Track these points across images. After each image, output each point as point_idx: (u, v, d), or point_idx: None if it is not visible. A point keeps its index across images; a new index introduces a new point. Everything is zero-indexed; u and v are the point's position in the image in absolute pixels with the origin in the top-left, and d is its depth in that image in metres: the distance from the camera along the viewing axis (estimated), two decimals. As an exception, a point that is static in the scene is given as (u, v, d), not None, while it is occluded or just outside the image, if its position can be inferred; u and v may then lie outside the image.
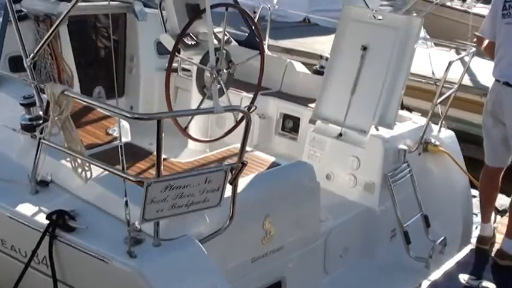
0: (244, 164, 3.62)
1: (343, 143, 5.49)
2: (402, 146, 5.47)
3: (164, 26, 5.89)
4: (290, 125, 6.56)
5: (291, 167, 4.63)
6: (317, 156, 5.65)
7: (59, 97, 3.62)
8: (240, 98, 6.52)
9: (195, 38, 5.56)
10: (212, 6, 5.55)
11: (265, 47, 7.55)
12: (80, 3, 6.88)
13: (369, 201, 5.37)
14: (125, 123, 5.36)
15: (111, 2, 7.08)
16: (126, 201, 3.52)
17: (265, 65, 6.17)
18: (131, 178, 3.44)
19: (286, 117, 6.57)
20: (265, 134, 6.62)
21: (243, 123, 3.58)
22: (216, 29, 5.83)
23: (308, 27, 16.46)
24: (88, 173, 3.84)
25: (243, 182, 4.22)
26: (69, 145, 3.78)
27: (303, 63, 7.66)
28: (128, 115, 3.42)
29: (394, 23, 5.42)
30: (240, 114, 6.08)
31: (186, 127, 5.46)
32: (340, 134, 5.52)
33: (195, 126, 5.80)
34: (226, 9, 5.34)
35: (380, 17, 5.49)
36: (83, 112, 5.50)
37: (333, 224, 5.07)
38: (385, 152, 5.31)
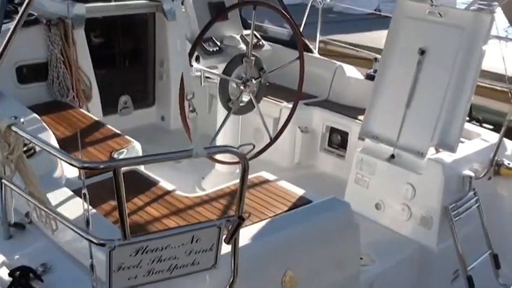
0: (242, 219, 2.77)
1: (395, 167, 4.56)
2: (468, 172, 4.49)
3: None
4: (338, 141, 5.66)
5: (322, 206, 3.73)
6: (365, 180, 4.75)
7: (6, 133, 2.85)
8: (279, 109, 5.67)
9: (218, 44, 4.73)
10: (237, 5, 4.78)
11: (316, 46, 6.68)
12: (101, 4, 6.27)
13: (426, 238, 4.42)
14: (136, 144, 4.62)
15: (138, 1, 6.36)
16: (92, 264, 2.75)
17: (312, 68, 5.37)
18: (93, 240, 2.65)
19: (333, 131, 5.67)
20: (308, 150, 5.75)
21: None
22: (248, 32, 4.99)
23: (378, 20, 15.29)
24: (53, 222, 3.08)
25: (258, 226, 3.40)
26: (29, 189, 3.02)
27: (365, 59, 6.73)
28: (77, 164, 2.60)
29: (459, 20, 4.43)
30: (279, 124, 5.24)
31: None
32: (393, 156, 4.60)
33: (222, 143, 5.03)
34: (254, 8, 4.49)
35: (441, 14, 4.51)
36: (89, 129, 4.80)
37: (379, 269, 4.16)
38: (446, 180, 4.34)
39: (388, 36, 4.78)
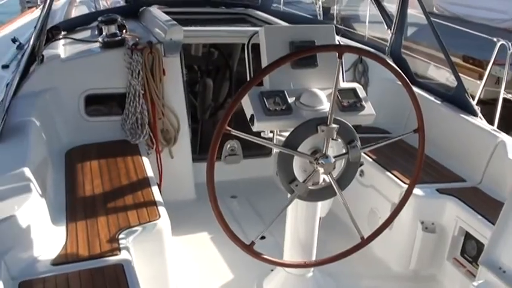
0: None
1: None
2: None
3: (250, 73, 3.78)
4: (473, 251, 3.94)
5: None
6: (479, 336, 3.11)
7: None
8: (399, 192, 4.10)
9: (289, 101, 3.33)
10: (315, 49, 3.38)
11: (497, 109, 4.95)
12: (206, 28, 5.21)
13: None
14: (161, 223, 3.49)
15: (253, 28, 5.21)
16: None
17: (466, 137, 4.30)
18: None
19: (468, 236, 3.96)
20: (431, 255, 4.10)
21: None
22: (347, 85, 3.54)
23: None
24: None
25: None
26: None
27: None
28: None
29: None
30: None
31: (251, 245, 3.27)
32: (521, 313, 2.90)
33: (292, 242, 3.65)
34: (340, 56, 3.07)
35: None
36: (126, 189, 3.87)
37: None
38: None
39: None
